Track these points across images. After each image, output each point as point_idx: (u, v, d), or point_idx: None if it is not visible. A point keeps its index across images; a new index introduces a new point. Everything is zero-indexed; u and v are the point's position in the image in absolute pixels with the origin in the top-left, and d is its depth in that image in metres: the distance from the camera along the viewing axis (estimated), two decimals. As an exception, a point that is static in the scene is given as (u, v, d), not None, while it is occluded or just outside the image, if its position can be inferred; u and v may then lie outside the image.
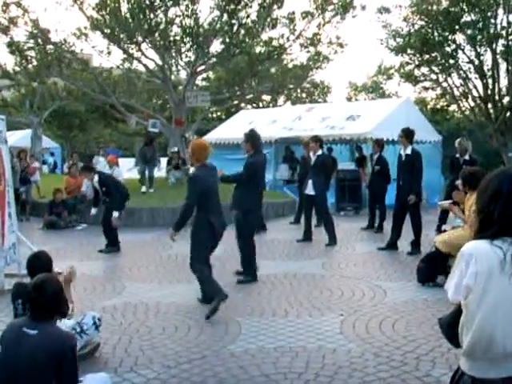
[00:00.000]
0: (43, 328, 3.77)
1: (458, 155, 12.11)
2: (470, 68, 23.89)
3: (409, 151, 10.38)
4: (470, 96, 24.40)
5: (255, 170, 8.65)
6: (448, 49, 23.40)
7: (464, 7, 22.15)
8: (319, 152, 11.81)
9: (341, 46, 20.32)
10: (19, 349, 3.72)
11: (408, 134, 10.47)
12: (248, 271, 8.59)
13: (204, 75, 30.87)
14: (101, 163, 17.53)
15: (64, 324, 5.07)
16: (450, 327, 2.70)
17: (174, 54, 19.71)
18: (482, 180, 2.69)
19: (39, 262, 5.16)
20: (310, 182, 11.66)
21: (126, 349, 5.68)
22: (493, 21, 22.30)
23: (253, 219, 8.85)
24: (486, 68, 23.44)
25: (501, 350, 2.43)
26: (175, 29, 18.80)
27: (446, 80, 24.75)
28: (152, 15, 17.82)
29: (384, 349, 5.56)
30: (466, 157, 11.93)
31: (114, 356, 5.50)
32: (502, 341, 2.42)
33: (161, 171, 18.60)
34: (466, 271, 2.47)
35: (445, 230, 8.94)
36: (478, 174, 7.35)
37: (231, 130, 21.75)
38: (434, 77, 25.12)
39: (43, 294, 3.83)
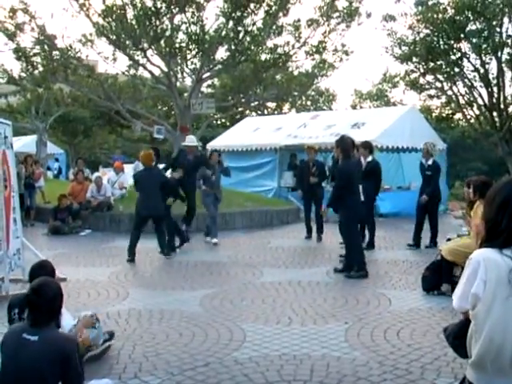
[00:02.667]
0: (44, 333, 3.74)
1: (423, 160, 11.94)
2: (475, 76, 23.88)
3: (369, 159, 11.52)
4: (475, 104, 24.39)
5: (348, 173, 9.32)
6: (453, 57, 23.39)
7: (469, 16, 22.15)
8: (369, 158, 11.80)
9: (346, 53, 20.31)
10: (21, 356, 3.69)
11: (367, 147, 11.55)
12: (360, 267, 9.21)
13: (209, 82, 30.93)
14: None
15: (69, 324, 5.12)
16: (457, 338, 2.68)
17: (179, 61, 19.74)
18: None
19: (44, 272, 5.17)
20: (360, 187, 11.67)
21: (130, 355, 5.66)
22: (498, 29, 22.30)
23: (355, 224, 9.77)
24: (491, 76, 23.44)
25: (509, 360, 2.41)
26: (181, 36, 18.83)
27: (451, 88, 24.75)
28: (158, 22, 17.85)
29: (389, 357, 5.53)
30: (430, 161, 11.77)
31: (117, 362, 5.49)
32: (511, 351, 2.40)
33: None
34: (474, 279, 2.46)
35: (450, 239, 8.91)
36: (490, 183, 7.33)
37: (236, 137, 21.79)
38: (439, 85, 25.11)
39: (42, 297, 3.81)
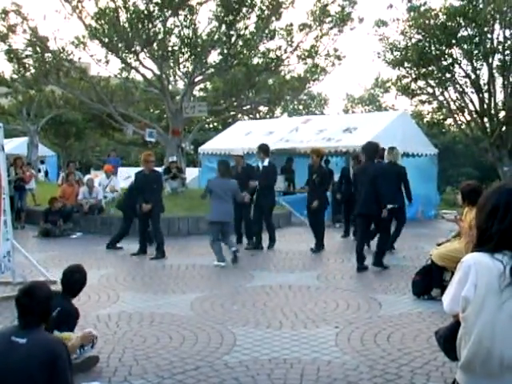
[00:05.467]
0: (32, 336, 3.73)
1: None
2: (466, 82, 23.97)
3: (266, 163, 12.50)
4: (466, 110, 24.47)
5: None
6: (445, 63, 23.47)
7: (461, 22, 22.24)
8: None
9: (338, 58, 20.37)
10: (9, 359, 3.67)
11: (264, 150, 12.58)
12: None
13: (201, 85, 30.95)
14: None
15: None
16: (447, 341, 2.70)
17: (171, 64, 19.74)
18: (481, 195, 2.71)
19: (76, 277, 5.32)
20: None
21: (120, 358, 5.65)
22: (489, 36, 22.41)
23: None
24: (482, 82, 23.53)
25: (498, 363, 2.43)
26: (173, 39, 18.84)
27: (442, 94, 24.83)
28: (150, 25, 17.84)
29: (379, 361, 5.54)
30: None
31: (107, 365, 5.47)
32: (500, 354, 2.42)
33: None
34: (465, 282, 2.48)
35: (440, 244, 8.93)
36: (478, 189, 7.39)
37: (228, 140, 21.79)
38: (430, 90, 25.19)
39: (32, 300, 3.80)
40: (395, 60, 24.10)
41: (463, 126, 25.82)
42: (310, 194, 12.49)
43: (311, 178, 12.35)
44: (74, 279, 5.56)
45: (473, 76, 23.47)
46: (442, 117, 28.12)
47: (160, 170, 15.75)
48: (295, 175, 20.51)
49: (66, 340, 5.05)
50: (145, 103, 30.04)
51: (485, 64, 23.02)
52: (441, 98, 25.05)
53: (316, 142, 18.21)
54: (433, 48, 23.01)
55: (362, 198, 10.04)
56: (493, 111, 23.46)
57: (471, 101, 24.12)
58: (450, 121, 28.42)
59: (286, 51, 19.50)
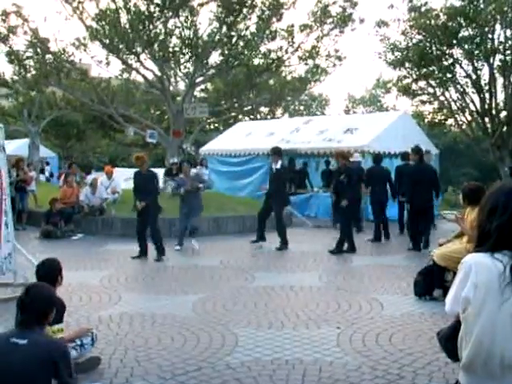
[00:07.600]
0: (32, 337, 3.72)
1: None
2: (467, 82, 23.97)
3: (278, 166, 12.54)
4: (467, 110, 24.46)
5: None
6: (445, 63, 23.47)
7: (462, 22, 22.25)
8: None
9: (339, 59, 20.42)
10: (10, 360, 3.66)
11: (278, 152, 12.64)
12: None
13: (202, 86, 30.99)
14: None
15: None
16: (449, 341, 2.71)
17: (172, 65, 19.79)
18: (481, 195, 2.73)
19: (42, 270, 5.19)
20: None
21: (122, 360, 5.64)
22: (490, 36, 22.41)
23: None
24: (483, 82, 23.52)
25: (499, 363, 2.43)
26: (174, 40, 18.89)
27: (443, 94, 24.82)
28: (151, 26, 17.87)
29: (381, 362, 5.53)
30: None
31: (109, 367, 5.46)
32: (500, 354, 2.42)
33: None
34: (465, 283, 2.49)
35: (441, 244, 8.92)
36: (478, 189, 7.41)
37: (229, 141, 21.79)
38: (431, 91, 25.19)
39: (33, 300, 3.80)
40: (396, 60, 24.11)
41: (464, 127, 25.81)
42: (338, 195, 12.42)
43: (338, 179, 12.30)
44: (42, 272, 5.36)
45: (474, 76, 23.46)
46: (442, 117, 28.09)
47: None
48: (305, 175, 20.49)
49: (58, 332, 5.04)
50: (146, 104, 30.09)
51: (486, 64, 23.02)
52: (442, 98, 25.04)
53: (317, 142, 18.22)
54: (434, 48, 23.03)
55: (424, 193, 11.81)
56: (494, 111, 23.45)
57: (472, 101, 24.12)
58: (450, 121, 28.40)
59: (286, 52, 19.54)
